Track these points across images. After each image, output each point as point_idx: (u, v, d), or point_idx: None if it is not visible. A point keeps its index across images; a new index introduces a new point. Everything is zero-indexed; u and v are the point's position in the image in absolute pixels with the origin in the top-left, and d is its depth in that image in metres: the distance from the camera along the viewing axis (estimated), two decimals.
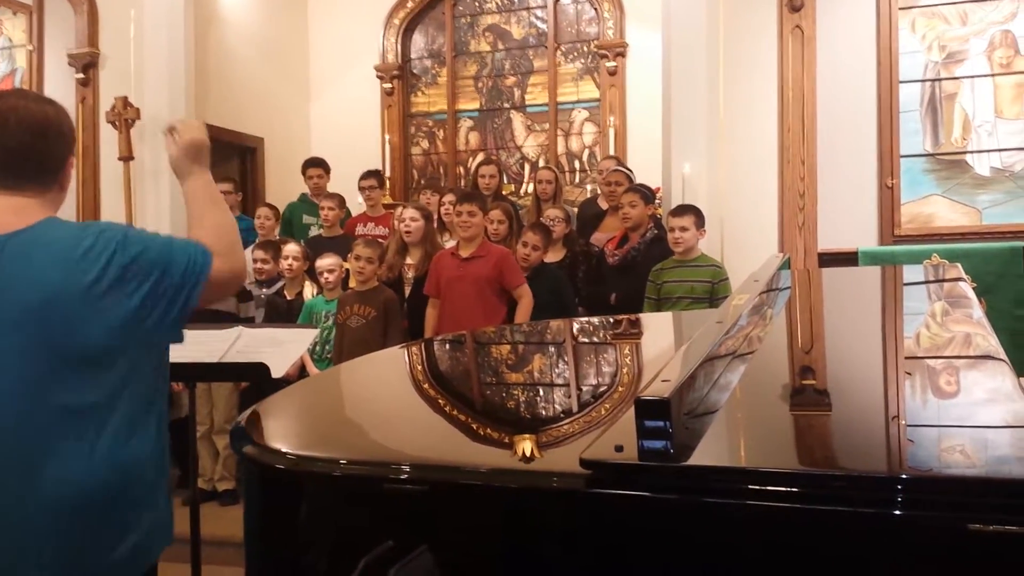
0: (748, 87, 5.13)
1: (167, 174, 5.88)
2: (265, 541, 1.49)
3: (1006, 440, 1.26)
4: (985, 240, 4.87)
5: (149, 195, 5.91)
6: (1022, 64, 5.00)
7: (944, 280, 2.75)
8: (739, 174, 5.10)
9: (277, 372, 2.80)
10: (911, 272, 3.12)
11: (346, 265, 4.66)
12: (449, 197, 5.17)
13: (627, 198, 4.62)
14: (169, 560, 1.76)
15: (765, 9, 5.13)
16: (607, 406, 1.69)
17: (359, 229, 5.56)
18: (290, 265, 4.79)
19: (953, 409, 1.44)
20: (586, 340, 2.71)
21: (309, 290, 4.84)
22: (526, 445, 1.42)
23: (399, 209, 5.12)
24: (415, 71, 7.85)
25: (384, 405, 1.92)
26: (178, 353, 1.71)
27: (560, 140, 7.44)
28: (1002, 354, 1.60)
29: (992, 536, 0.97)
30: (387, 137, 7.60)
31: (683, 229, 4.20)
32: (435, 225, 4.94)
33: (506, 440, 1.56)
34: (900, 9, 5.03)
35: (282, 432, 1.67)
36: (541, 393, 1.97)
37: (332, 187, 5.98)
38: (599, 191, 5.75)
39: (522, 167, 7.56)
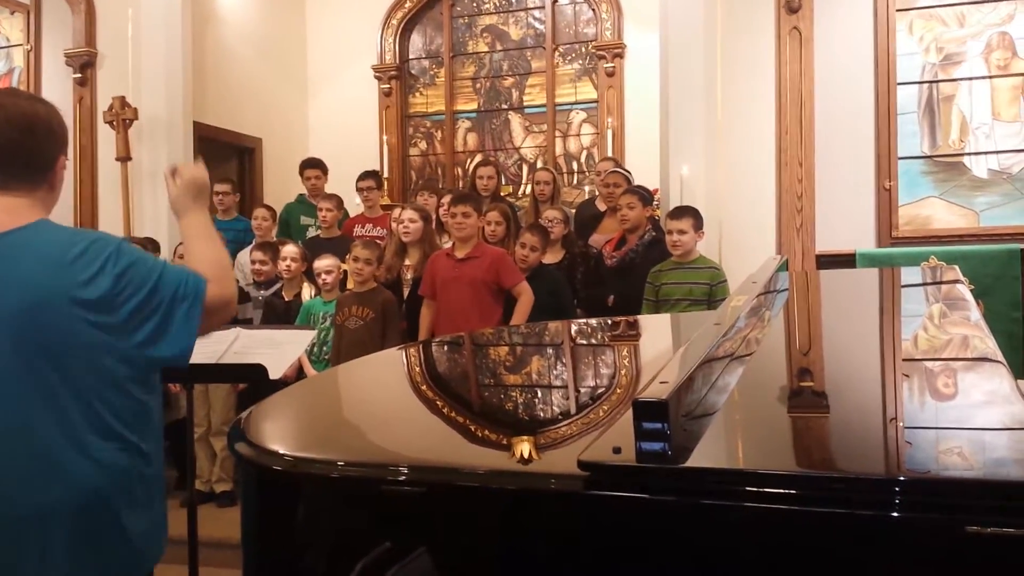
0: (746, 88, 5.14)
1: None
2: (262, 543, 1.48)
3: (1003, 442, 1.26)
4: (983, 242, 4.88)
5: (147, 195, 5.91)
6: (1020, 66, 5.00)
7: (942, 282, 2.76)
8: (737, 176, 5.11)
9: (275, 373, 2.80)
10: (909, 274, 3.12)
11: (344, 266, 4.65)
12: (447, 198, 5.16)
13: (625, 200, 4.63)
14: (166, 562, 1.76)
15: (763, 10, 5.13)
16: (605, 408, 1.69)
17: (357, 230, 5.56)
18: (288, 266, 4.79)
19: (951, 411, 1.45)
20: (584, 342, 2.72)
21: (307, 291, 4.84)
22: (524, 447, 1.42)
23: (397, 210, 5.12)
24: (413, 72, 7.85)
25: (382, 406, 1.91)
26: None
27: (558, 141, 7.45)
28: (999, 356, 1.60)
29: (989, 538, 0.97)
30: (385, 138, 7.60)
31: (681, 231, 4.20)
32: (433, 226, 4.93)
33: (504, 442, 1.56)
34: (898, 11, 5.03)
35: (279, 434, 1.67)
36: (539, 395, 1.97)
37: (330, 188, 5.97)
38: (597, 192, 5.75)
39: (520, 168, 7.56)
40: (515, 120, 7.60)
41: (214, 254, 1.74)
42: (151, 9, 5.87)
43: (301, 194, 6.11)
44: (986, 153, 5.03)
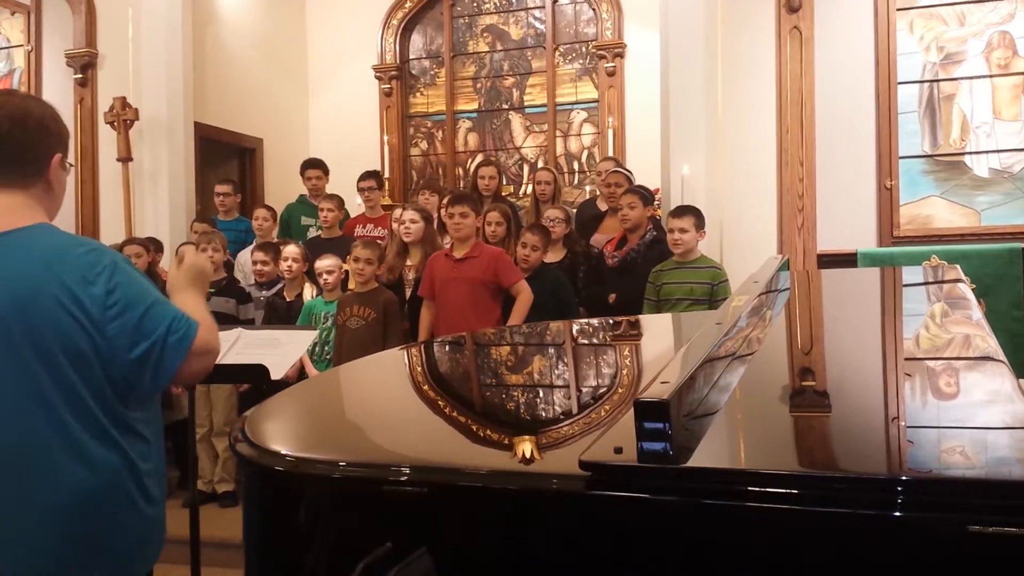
0: (746, 88, 5.14)
1: (165, 175, 5.89)
2: (264, 543, 1.48)
3: (1006, 441, 1.26)
4: (984, 241, 4.87)
5: (148, 196, 5.92)
6: (1020, 65, 5.00)
7: (943, 281, 2.76)
8: (738, 175, 5.11)
9: (276, 374, 2.80)
10: (910, 273, 3.12)
11: (346, 266, 4.65)
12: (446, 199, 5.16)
13: (626, 199, 4.62)
14: (169, 562, 1.76)
15: (763, 10, 5.13)
16: (607, 408, 1.69)
17: (358, 230, 5.56)
18: (289, 267, 4.79)
19: (953, 410, 1.44)
20: (585, 342, 2.71)
21: (309, 291, 4.84)
22: (526, 447, 1.42)
23: (397, 211, 5.11)
24: (413, 72, 7.85)
25: (384, 407, 1.92)
26: None
27: (559, 141, 7.45)
28: (1001, 355, 1.60)
29: (992, 537, 0.97)
30: (386, 138, 7.60)
31: (682, 230, 4.20)
32: (435, 226, 4.92)
33: (506, 442, 1.56)
34: (898, 10, 5.03)
35: (281, 434, 1.67)
36: (541, 395, 1.97)
37: (331, 188, 5.98)
38: (598, 192, 5.75)
39: (521, 168, 7.56)
40: (516, 120, 7.60)
41: (205, 313, 1.73)
42: (151, 9, 5.88)
43: (302, 194, 6.11)
44: (987, 152, 5.03)
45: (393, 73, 7.70)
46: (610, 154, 6.71)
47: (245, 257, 5.33)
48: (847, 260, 4.86)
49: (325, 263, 4.62)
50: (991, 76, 5.03)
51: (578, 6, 7.39)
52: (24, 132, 1.63)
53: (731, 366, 1.61)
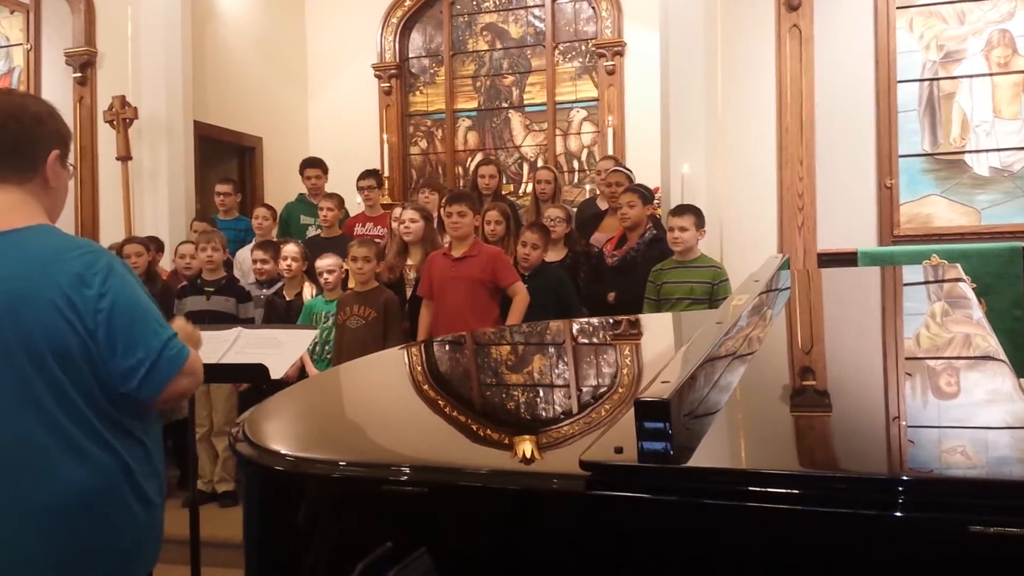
0: (746, 86, 5.13)
1: (165, 174, 5.89)
2: (265, 543, 1.48)
3: (1006, 441, 1.26)
4: (984, 240, 4.87)
5: (147, 195, 5.91)
6: (1020, 63, 5.00)
7: (943, 280, 2.75)
8: (738, 174, 5.10)
9: (276, 373, 2.79)
10: (910, 272, 3.12)
11: (346, 266, 4.65)
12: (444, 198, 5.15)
13: (626, 198, 4.62)
14: (169, 562, 1.76)
15: (763, 8, 5.13)
16: (607, 407, 1.69)
17: (358, 229, 5.55)
18: (289, 266, 4.79)
19: (953, 410, 1.44)
20: (586, 341, 2.71)
21: (308, 291, 4.84)
22: (526, 446, 1.42)
23: (397, 210, 5.11)
24: (413, 70, 7.85)
25: (384, 406, 1.91)
26: None
27: (559, 140, 7.44)
28: (1002, 355, 1.60)
29: (993, 538, 0.97)
30: (385, 137, 7.60)
31: (683, 229, 4.20)
32: (435, 225, 4.92)
33: (506, 441, 1.56)
34: (898, 8, 5.03)
35: (281, 434, 1.67)
36: (541, 394, 1.97)
37: (330, 187, 5.97)
38: (598, 191, 5.74)
39: (521, 167, 7.56)
40: (515, 119, 7.59)
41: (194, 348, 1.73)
42: (151, 8, 5.87)
43: (301, 193, 6.11)
44: (987, 151, 5.03)
45: (393, 72, 7.69)
46: (610, 153, 6.71)
47: (245, 255, 5.32)
48: (847, 259, 4.86)
49: (326, 262, 4.61)
50: (991, 74, 5.03)
51: (578, 4, 7.39)
52: (19, 125, 1.63)
53: (731, 365, 1.61)
